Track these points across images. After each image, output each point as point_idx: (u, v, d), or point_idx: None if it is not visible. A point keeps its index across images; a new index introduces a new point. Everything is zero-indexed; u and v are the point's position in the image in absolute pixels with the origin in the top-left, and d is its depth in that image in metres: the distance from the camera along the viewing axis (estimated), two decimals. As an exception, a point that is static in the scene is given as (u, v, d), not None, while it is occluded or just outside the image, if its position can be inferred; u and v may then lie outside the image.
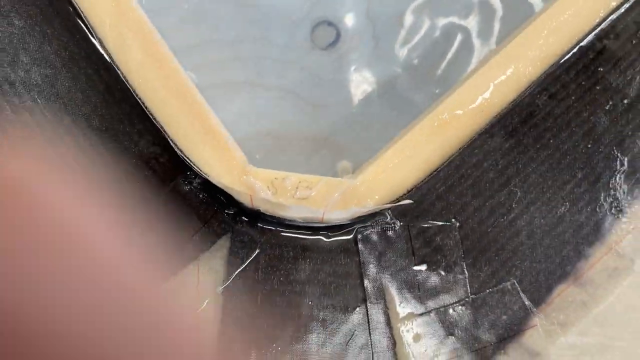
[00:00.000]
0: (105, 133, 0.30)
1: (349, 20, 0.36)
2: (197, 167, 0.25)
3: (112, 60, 0.28)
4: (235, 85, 0.35)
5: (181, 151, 0.25)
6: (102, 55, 0.30)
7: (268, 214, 0.26)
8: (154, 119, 0.26)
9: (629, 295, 0.32)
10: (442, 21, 0.36)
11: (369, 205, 0.25)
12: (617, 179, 0.32)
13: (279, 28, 0.35)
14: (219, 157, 0.25)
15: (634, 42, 0.33)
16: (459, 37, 0.36)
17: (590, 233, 0.32)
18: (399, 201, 0.26)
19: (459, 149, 0.27)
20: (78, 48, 0.30)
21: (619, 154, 0.32)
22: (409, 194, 0.26)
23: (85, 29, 0.30)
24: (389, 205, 0.26)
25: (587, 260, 0.32)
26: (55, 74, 0.30)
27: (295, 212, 0.25)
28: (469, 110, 0.26)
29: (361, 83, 0.35)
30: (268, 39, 0.35)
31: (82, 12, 0.27)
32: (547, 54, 0.27)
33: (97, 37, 0.28)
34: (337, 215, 0.25)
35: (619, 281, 0.32)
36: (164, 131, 0.26)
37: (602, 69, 0.32)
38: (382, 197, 0.25)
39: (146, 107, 0.27)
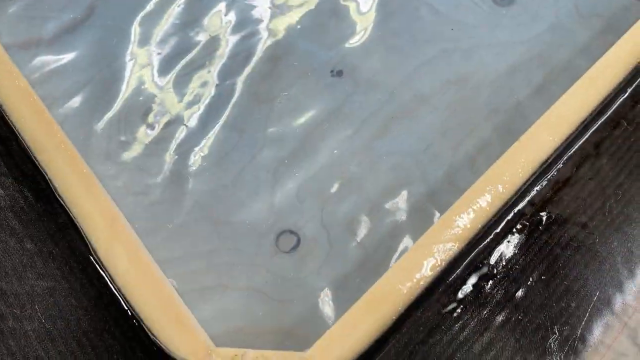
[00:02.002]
0: (92, 333, 0.34)
1: (307, 228, 0.43)
2: (169, 350, 0.29)
3: (103, 268, 0.33)
4: (210, 289, 0.40)
5: (156, 337, 0.30)
6: (96, 267, 0.36)
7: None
8: (136, 314, 0.31)
9: None
10: (385, 224, 0.43)
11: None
12: (552, 346, 0.35)
13: (247, 239, 0.42)
14: (189, 341, 0.29)
15: (541, 227, 0.39)
16: (400, 235, 0.42)
17: (538, 400, 0.34)
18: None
19: (392, 322, 0.31)
20: (77, 263, 0.36)
21: (548, 324, 0.36)
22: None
23: (84, 247, 0.36)
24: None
25: None
26: (55, 286, 0.36)
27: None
28: (396, 289, 0.31)
29: (319, 280, 0.41)
30: (238, 248, 0.42)
31: (83, 231, 0.34)
32: (461, 237, 0.33)
33: (93, 250, 0.34)
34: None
35: None
36: (144, 323, 0.30)
37: (518, 252, 0.38)
38: (330, 367, 0.29)
39: (130, 305, 0.31)
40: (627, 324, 0.36)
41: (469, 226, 0.34)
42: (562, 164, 0.42)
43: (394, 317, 0.31)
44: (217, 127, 0.47)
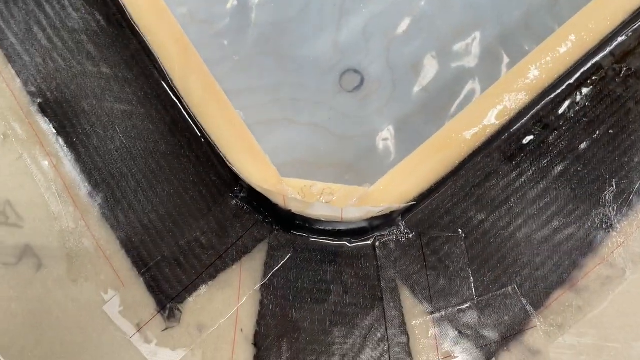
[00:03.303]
0: (170, 156, 0.37)
1: (372, 68, 0.43)
2: (244, 176, 0.31)
3: (178, 96, 0.35)
4: (275, 122, 0.42)
5: (232, 165, 0.32)
6: (170, 95, 0.37)
7: (298, 213, 0.32)
8: (212, 141, 0.33)
9: (621, 301, 0.35)
10: (451, 68, 0.42)
11: (379, 206, 0.30)
12: (607, 197, 0.36)
13: (312, 75, 0.42)
14: (261, 170, 0.31)
15: (617, 80, 0.38)
16: (466, 80, 0.42)
17: (584, 245, 0.36)
18: (405, 205, 0.32)
19: (455, 166, 0.32)
20: (151, 89, 0.38)
21: (607, 176, 0.36)
22: (414, 200, 0.31)
23: (157, 74, 0.37)
24: (396, 207, 0.31)
25: (581, 270, 0.35)
26: (132, 110, 0.38)
27: (318, 209, 0.31)
28: (461, 135, 0.32)
29: (381, 119, 0.41)
30: (303, 84, 0.42)
31: (158, 59, 0.35)
32: (533, 87, 0.32)
33: (168, 79, 0.35)
34: (354, 213, 0.31)
35: (611, 288, 0.35)
36: (220, 151, 0.32)
37: (588, 104, 0.37)
38: (391, 202, 0.31)
39: (205, 133, 0.33)
40: (688, 182, 0.36)
41: (544, 76, 0.33)
42: (655, 11, 0.38)
43: (457, 162, 0.32)
44: (283, -47, 0.45)
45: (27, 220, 0.36)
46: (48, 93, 0.38)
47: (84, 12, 0.39)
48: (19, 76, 0.38)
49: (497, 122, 0.32)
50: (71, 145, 0.37)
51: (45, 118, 0.38)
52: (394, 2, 0.43)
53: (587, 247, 0.36)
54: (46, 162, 0.37)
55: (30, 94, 0.38)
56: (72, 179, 0.37)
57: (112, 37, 0.38)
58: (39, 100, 0.38)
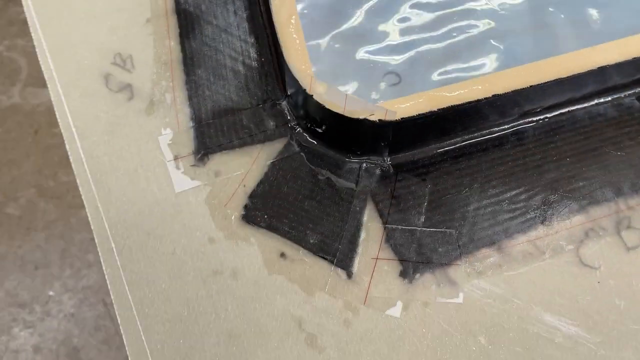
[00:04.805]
0: (246, 67, 0.51)
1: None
2: (290, 63, 0.45)
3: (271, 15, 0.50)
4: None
5: (286, 58, 0.45)
6: (262, 18, 0.53)
7: (316, 98, 0.44)
8: (279, 40, 0.47)
9: (535, 274, 0.43)
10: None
11: (376, 105, 0.42)
12: (551, 199, 0.45)
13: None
14: (302, 64, 0.45)
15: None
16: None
17: (519, 225, 0.44)
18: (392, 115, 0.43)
19: (430, 111, 0.43)
20: (251, 14, 0.53)
21: (555, 185, 0.46)
22: (401, 120, 0.43)
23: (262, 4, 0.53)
24: (384, 111, 0.42)
25: (510, 240, 0.44)
26: (235, 33, 0.53)
27: (328, 95, 0.43)
28: (444, 95, 0.44)
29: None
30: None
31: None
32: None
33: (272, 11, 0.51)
34: (354, 105, 0.42)
35: (530, 262, 0.43)
36: (282, 46, 0.46)
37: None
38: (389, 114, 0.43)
39: (277, 39, 0.48)
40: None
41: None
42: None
43: (435, 109, 0.43)
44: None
45: (137, 70, 0.51)
46: (189, 7, 0.54)
47: (233, -29, 0.57)
48: (174, -8, 0.55)
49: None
50: (187, 39, 0.53)
51: (179, 20, 0.54)
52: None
53: (521, 227, 0.44)
54: (166, 43, 0.52)
55: (176, 2, 0.55)
56: (177, 58, 0.52)
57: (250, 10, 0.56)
58: (182, 7, 0.54)
